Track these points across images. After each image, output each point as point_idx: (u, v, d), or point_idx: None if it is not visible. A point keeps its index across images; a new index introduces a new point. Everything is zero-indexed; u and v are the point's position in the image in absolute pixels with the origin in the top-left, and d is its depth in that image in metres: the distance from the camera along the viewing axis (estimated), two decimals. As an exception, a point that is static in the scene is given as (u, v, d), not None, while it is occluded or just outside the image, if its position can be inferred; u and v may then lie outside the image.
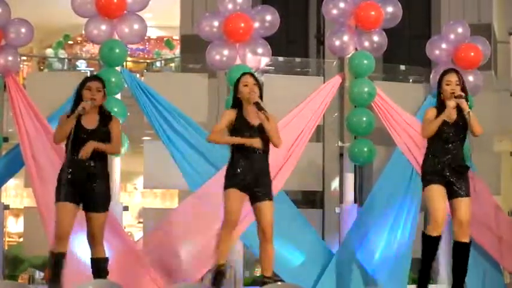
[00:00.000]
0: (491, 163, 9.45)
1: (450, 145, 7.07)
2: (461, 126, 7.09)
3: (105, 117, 6.93)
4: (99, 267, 6.88)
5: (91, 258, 6.91)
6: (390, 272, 8.45)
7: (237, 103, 6.93)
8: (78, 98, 6.86)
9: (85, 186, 6.76)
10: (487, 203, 8.78)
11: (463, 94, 7.10)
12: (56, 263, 6.74)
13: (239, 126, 6.82)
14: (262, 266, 6.92)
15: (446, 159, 7.05)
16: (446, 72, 7.21)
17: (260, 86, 6.93)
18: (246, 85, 6.86)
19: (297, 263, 8.42)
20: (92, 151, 6.74)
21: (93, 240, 6.86)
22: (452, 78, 7.11)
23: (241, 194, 6.80)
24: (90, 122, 6.83)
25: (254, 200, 6.86)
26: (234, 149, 6.87)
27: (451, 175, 7.05)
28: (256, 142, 6.78)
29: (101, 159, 6.85)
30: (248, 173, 6.78)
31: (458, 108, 7.10)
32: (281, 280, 8.32)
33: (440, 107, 7.13)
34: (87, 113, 6.79)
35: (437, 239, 7.07)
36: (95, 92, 6.85)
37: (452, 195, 7.07)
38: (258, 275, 11.27)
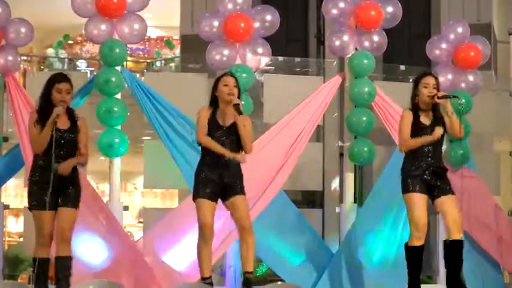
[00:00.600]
0: (491, 163, 9.45)
1: (429, 147, 7.06)
2: (440, 126, 7.08)
3: (73, 116, 6.84)
4: (63, 265, 6.68)
5: (56, 257, 6.70)
6: (390, 272, 8.45)
7: (214, 101, 6.88)
8: (47, 98, 6.74)
9: (57, 185, 6.65)
10: (486, 203, 8.79)
11: (448, 94, 7.11)
12: (40, 268, 6.66)
13: (210, 126, 6.78)
14: (243, 260, 6.84)
15: (426, 162, 7.04)
16: (424, 74, 7.21)
17: (239, 89, 6.88)
18: (226, 85, 6.82)
19: (296, 262, 8.43)
20: (61, 153, 6.67)
21: (61, 237, 6.67)
22: (430, 81, 7.11)
23: (212, 202, 6.77)
24: (62, 123, 6.74)
25: (226, 196, 6.81)
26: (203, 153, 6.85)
27: (431, 177, 7.03)
28: (241, 158, 6.74)
29: (70, 157, 6.76)
30: (217, 175, 6.74)
31: (434, 109, 7.10)
32: (281, 280, 8.33)
33: (416, 109, 7.10)
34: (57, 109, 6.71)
35: (422, 248, 7.06)
36: (64, 95, 6.75)
37: (437, 195, 7.05)
38: (257, 274, 11.29)
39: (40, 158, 6.70)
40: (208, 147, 6.76)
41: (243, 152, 6.81)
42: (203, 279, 6.83)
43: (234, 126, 6.79)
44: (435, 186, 7.04)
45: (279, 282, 7.96)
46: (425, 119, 7.09)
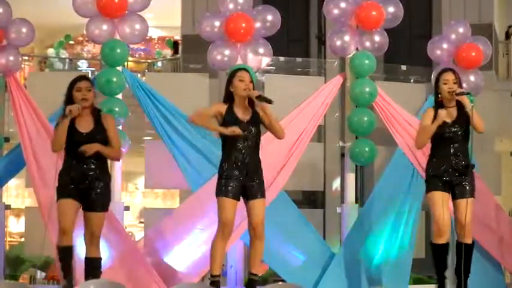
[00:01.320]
0: (492, 163, 9.44)
1: (453, 145, 7.07)
2: (462, 123, 7.08)
3: (99, 116, 6.91)
4: (94, 266, 6.89)
5: (86, 258, 6.91)
6: (391, 272, 8.45)
7: (229, 98, 6.87)
8: (69, 101, 6.83)
9: (85, 188, 6.78)
10: (487, 203, 8.78)
11: (464, 90, 7.10)
12: (63, 256, 6.79)
13: (228, 121, 6.76)
14: (250, 262, 6.87)
15: (449, 162, 7.05)
16: (443, 71, 7.21)
17: (253, 83, 6.89)
18: (241, 80, 6.81)
19: (297, 263, 8.42)
20: (90, 157, 6.76)
21: (92, 239, 6.87)
22: (449, 76, 7.11)
23: (234, 200, 6.77)
24: (85, 125, 6.83)
25: (247, 197, 6.83)
26: (224, 151, 6.85)
27: (454, 177, 7.05)
28: (238, 131, 6.68)
29: (100, 160, 6.85)
30: (239, 173, 6.75)
31: (459, 106, 7.10)
32: (282, 280, 8.33)
33: (438, 107, 7.12)
34: (79, 116, 6.79)
35: (445, 246, 7.08)
36: (85, 92, 6.83)
37: (454, 196, 7.09)
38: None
39: (67, 162, 6.84)
40: (199, 125, 6.83)
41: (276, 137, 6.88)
42: (212, 276, 6.81)
43: (253, 119, 6.78)
44: (456, 186, 7.06)
45: (280, 283, 7.96)
46: (448, 117, 7.08)
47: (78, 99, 6.79)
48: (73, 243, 6.84)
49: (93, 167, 6.80)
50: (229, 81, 6.88)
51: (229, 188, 6.73)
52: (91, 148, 6.73)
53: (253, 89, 6.84)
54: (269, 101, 6.75)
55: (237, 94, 6.82)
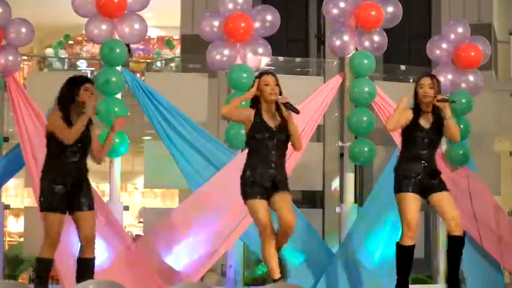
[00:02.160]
0: (491, 163, 9.46)
1: (425, 151, 7.07)
2: (436, 131, 7.09)
3: (90, 124, 6.91)
4: (88, 266, 6.83)
5: (79, 258, 6.85)
6: (390, 272, 8.44)
7: (255, 101, 6.73)
8: (72, 95, 6.79)
9: (74, 189, 6.74)
10: (487, 203, 8.78)
11: (446, 97, 7.11)
12: (45, 269, 6.77)
13: (258, 128, 6.63)
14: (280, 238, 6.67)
15: (420, 165, 7.04)
16: (422, 75, 7.22)
17: (280, 88, 6.72)
18: (267, 84, 6.68)
19: (297, 262, 8.42)
20: (83, 151, 6.78)
21: (87, 240, 6.82)
22: (426, 81, 7.11)
23: (264, 201, 6.63)
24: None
25: (273, 193, 6.66)
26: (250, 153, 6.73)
27: (425, 178, 7.04)
28: (251, 92, 6.62)
29: (85, 157, 6.86)
30: (265, 175, 6.64)
31: (436, 112, 7.10)
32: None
33: (416, 110, 7.12)
34: (76, 115, 6.77)
35: (412, 248, 7.06)
36: (90, 95, 6.83)
37: (431, 192, 7.06)
38: (258, 274, 11.28)
39: (53, 159, 6.80)
40: (232, 111, 6.63)
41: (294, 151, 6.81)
42: (274, 281, 6.62)
43: (281, 126, 6.67)
44: (428, 186, 7.05)
45: (280, 282, 7.95)
46: (425, 122, 7.10)
47: (84, 98, 6.78)
48: (54, 256, 6.82)
49: (84, 163, 6.82)
50: (254, 86, 6.71)
51: (255, 190, 6.58)
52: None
53: (281, 94, 6.70)
54: (295, 110, 6.64)
55: (263, 98, 6.68)
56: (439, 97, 7.06)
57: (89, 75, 9.23)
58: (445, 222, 7.15)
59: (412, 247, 7.05)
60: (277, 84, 6.70)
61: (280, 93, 6.68)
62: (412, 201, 7.01)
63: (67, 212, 6.81)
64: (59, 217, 6.73)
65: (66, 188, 6.74)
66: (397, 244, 7.13)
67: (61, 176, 6.74)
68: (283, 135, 6.67)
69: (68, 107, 6.79)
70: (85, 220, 6.81)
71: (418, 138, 7.07)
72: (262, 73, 6.83)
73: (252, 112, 6.67)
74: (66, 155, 6.76)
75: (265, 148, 6.63)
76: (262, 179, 6.60)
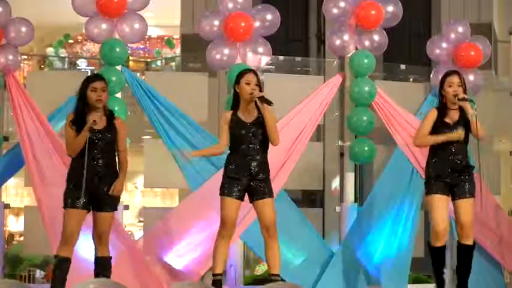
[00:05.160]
0: (492, 163, 9.44)
1: (453, 146, 7.06)
2: (462, 127, 7.07)
3: (112, 118, 6.87)
4: (105, 265, 6.86)
5: (96, 257, 6.88)
6: (390, 271, 8.46)
7: (237, 101, 6.89)
8: (83, 99, 6.78)
9: (94, 187, 6.71)
10: (487, 202, 8.77)
11: (467, 97, 7.10)
12: (59, 266, 6.72)
13: (235, 125, 6.80)
14: (269, 263, 6.88)
15: (448, 163, 7.05)
16: (448, 73, 7.20)
17: (260, 86, 6.88)
18: (248, 83, 6.81)
19: (297, 262, 8.42)
20: (100, 153, 6.72)
21: (101, 239, 6.84)
22: (455, 79, 7.11)
23: (237, 201, 6.79)
24: (98, 123, 6.76)
25: (253, 197, 6.84)
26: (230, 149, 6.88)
27: (453, 178, 7.05)
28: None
29: (109, 159, 6.81)
30: (243, 174, 6.77)
31: (461, 108, 7.10)
32: (281, 279, 8.32)
33: (442, 108, 7.12)
34: (93, 112, 6.75)
35: (441, 249, 7.08)
36: (100, 92, 6.77)
37: (454, 196, 7.09)
38: (258, 273, 11.28)
39: (75, 160, 6.75)
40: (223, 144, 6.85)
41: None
42: (214, 275, 6.82)
43: (258, 121, 6.80)
44: (455, 186, 7.06)
45: (280, 282, 7.95)
46: (450, 119, 7.08)
47: (93, 99, 6.74)
48: (72, 255, 6.77)
49: (101, 164, 6.76)
50: (237, 83, 6.88)
51: (233, 187, 6.76)
52: (119, 186, 6.76)
53: (260, 90, 6.83)
54: (269, 103, 6.76)
55: (242, 96, 6.83)
56: (461, 96, 7.05)
57: (88, 75, 9.19)
58: (457, 228, 7.21)
59: (440, 248, 7.08)
60: (258, 84, 6.82)
61: (261, 90, 6.83)
62: (437, 202, 7.03)
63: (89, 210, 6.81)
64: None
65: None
66: (428, 243, 7.22)
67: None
68: (260, 129, 6.79)
69: (82, 109, 6.77)
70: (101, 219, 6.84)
71: (442, 134, 7.05)
72: (244, 71, 6.94)
73: (229, 113, 6.85)
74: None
75: (242, 144, 6.78)
76: (240, 174, 6.75)
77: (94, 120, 6.66)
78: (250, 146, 6.79)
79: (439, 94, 7.22)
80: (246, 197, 6.89)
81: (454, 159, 7.07)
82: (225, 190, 6.80)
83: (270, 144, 6.90)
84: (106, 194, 6.75)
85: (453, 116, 7.11)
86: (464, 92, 7.11)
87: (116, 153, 6.88)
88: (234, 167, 6.79)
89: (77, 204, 6.67)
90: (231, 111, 6.88)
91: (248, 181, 6.79)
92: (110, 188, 6.75)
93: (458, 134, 7.02)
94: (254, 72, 6.94)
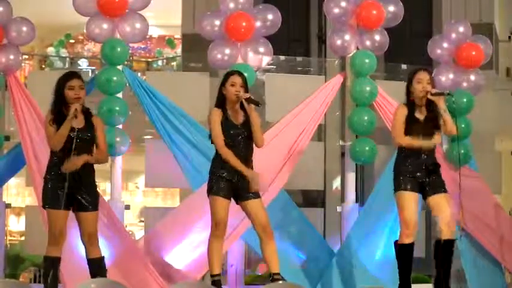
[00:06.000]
0: (492, 162, 9.45)
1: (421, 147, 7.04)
2: (431, 123, 7.04)
3: (89, 116, 6.84)
4: (99, 266, 6.84)
5: (88, 259, 6.84)
6: (391, 271, 8.44)
7: (221, 99, 6.87)
8: (60, 98, 6.71)
9: (72, 187, 6.65)
10: (487, 202, 8.79)
11: (441, 91, 7.06)
12: (52, 267, 6.72)
13: (225, 127, 6.78)
14: (268, 263, 6.88)
15: (418, 160, 7.01)
16: (417, 70, 7.17)
17: (247, 87, 6.86)
18: (233, 85, 6.81)
19: (298, 262, 8.42)
20: (80, 150, 6.64)
21: (90, 240, 6.80)
22: (424, 76, 7.08)
23: (227, 200, 6.78)
24: (76, 121, 6.69)
25: (240, 198, 6.83)
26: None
27: (424, 175, 7.01)
28: (248, 173, 6.73)
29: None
30: (231, 174, 6.75)
31: (429, 105, 7.06)
32: (282, 279, 8.32)
33: (410, 105, 7.09)
34: (74, 105, 6.70)
35: (411, 246, 7.04)
36: (78, 91, 6.71)
37: (429, 193, 7.03)
38: (259, 273, 11.29)
39: (56, 155, 6.70)
40: (227, 161, 6.75)
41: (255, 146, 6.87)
42: (212, 275, 6.82)
43: (246, 122, 6.81)
44: (427, 184, 7.02)
45: (280, 282, 7.95)
46: (419, 114, 7.07)
47: (71, 98, 6.67)
48: (61, 254, 6.74)
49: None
50: (223, 84, 6.89)
51: (221, 187, 6.75)
52: (75, 164, 6.61)
53: (247, 92, 6.84)
54: (257, 103, 6.78)
55: (228, 98, 6.83)
56: (433, 91, 7.03)
57: (90, 74, 9.20)
58: (440, 225, 7.10)
59: (410, 245, 7.02)
60: (243, 86, 6.83)
61: (246, 91, 6.83)
62: (409, 199, 6.97)
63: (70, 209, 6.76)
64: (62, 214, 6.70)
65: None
66: (395, 243, 7.12)
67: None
68: (248, 131, 6.79)
69: (59, 107, 6.71)
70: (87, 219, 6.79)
71: (414, 132, 7.01)
72: (231, 72, 6.96)
73: (220, 113, 6.82)
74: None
75: (232, 145, 6.76)
76: (230, 175, 6.73)
77: (76, 109, 6.60)
78: (239, 146, 6.78)
79: (406, 90, 7.18)
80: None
81: (424, 157, 7.01)
82: (213, 189, 6.77)
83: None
84: (85, 194, 6.71)
85: (422, 111, 7.08)
86: (433, 88, 7.07)
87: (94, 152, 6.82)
88: (223, 168, 6.75)
89: (58, 205, 6.62)
90: (220, 111, 6.84)
91: (237, 182, 6.76)
92: (91, 188, 6.73)
93: (432, 143, 6.99)
94: (240, 73, 6.92)
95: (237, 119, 6.83)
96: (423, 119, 7.03)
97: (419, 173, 6.99)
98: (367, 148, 8.68)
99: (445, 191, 7.06)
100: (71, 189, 6.63)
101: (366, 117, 8.66)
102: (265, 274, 10.58)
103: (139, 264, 7.90)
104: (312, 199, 14.27)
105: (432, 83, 7.08)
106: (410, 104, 7.09)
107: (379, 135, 8.90)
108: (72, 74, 6.83)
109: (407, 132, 7.02)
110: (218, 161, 6.82)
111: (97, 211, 6.82)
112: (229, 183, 6.76)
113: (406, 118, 7.04)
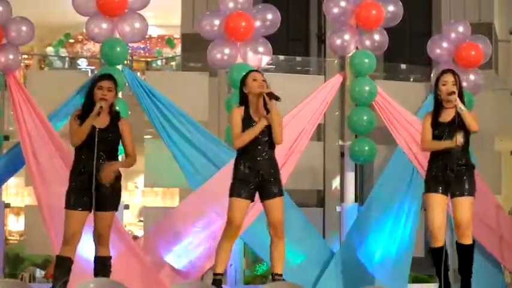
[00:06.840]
0: (492, 162, 9.45)
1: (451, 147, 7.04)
2: (457, 124, 7.04)
3: (116, 116, 6.87)
4: (104, 265, 6.85)
5: (95, 257, 6.87)
6: (391, 271, 8.46)
7: (244, 99, 6.86)
8: (90, 96, 6.79)
9: (95, 186, 6.66)
10: (487, 202, 8.77)
11: (454, 90, 7.05)
12: (59, 265, 6.71)
13: (245, 124, 6.77)
14: (273, 262, 6.87)
15: (444, 161, 7.03)
16: (442, 72, 7.18)
17: (267, 84, 6.86)
18: (255, 79, 6.81)
19: (297, 261, 8.41)
20: (101, 152, 6.69)
21: (100, 239, 6.83)
22: (449, 78, 7.08)
23: (246, 201, 6.76)
24: (101, 121, 6.75)
25: (263, 197, 6.82)
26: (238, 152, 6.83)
27: (449, 176, 7.02)
28: (262, 123, 6.73)
29: (111, 159, 6.77)
30: (254, 174, 6.74)
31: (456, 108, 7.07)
32: (283, 280, 8.32)
33: (438, 108, 7.10)
34: (100, 102, 6.74)
35: (439, 249, 7.05)
36: (106, 92, 6.75)
37: (453, 194, 7.07)
38: (258, 273, 11.29)
39: (79, 153, 6.74)
40: (246, 143, 6.73)
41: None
42: (215, 274, 6.81)
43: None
44: (453, 184, 7.04)
45: (280, 281, 7.95)
46: (445, 117, 7.06)
47: (98, 97, 6.74)
48: (74, 255, 6.75)
49: (103, 163, 6.72)
50: (243, 83, 6.86)
51: (244, 189, 6.72)
52: (109, 175, 6.67)
53: (267, 87, 6.83)
54: (277, 98, 6.75)
55: (252, 93, 6.80)
56: (449, 90, 7.03)
57: (89, 74, 9.19)
58: (454, 228, 7.17)
59: (437, 249, 7.05)
60: (264, 80, 6.83)
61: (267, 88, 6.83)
62: (433, 202, 7.03)
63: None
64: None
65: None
66: (429, 246, 7.21)
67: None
68: (269, 129, 6.78)
69: (88, 105, 6.76)
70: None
71: (439, 134, 7.03)
72: (250, 71, 7.00)
73: (242, 110, 6.81)
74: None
75: (253, 144, 6.75)
76: (250, 174, 6.72)
77: (101, 106, 6.67)
78: (259, 147, 6.77)
79: (434, 94, 7.20)
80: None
81: (452, 158, 7.03)
82: (234, 191, 6.75)
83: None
84: (107, 194, 6.73)
85: (448, 115, 7.07)
86: (460, 90, 7.07)
87: (119, 154, 6.89)
88: (245, 169, 6.75)
89: (79, 206, 6.67)
90: (243, 108, 6.84)
91: (259, 182, 6.76)
92: (110, 189, 6.74)
93: (454, 142, 6.99)
94: (258, 71, 6.95)
95: (257, 116, 6.80)
96: (448, 121, 7.04)
97: (444, 174, 7.01)
98: (366, 148, 8.68)
99: (468, 194, 7.06)
100: (95, 191, 6.67)
101: (365, 117, 8.67)
102: (265, 273, 10.60)
103: (138, 264, 7.89)
104: (312, 199, 14.28)
105: (458, 84, 7.06)
106: (438, 106, 7.09)
107: (379, 135, 8.91)
108: (105, 75, 6.94)
109: (434, 136, 7.06)
110: (238, 164, 6.79)
111: (114, 211, 6.86)
112: (253, 184, 6.73)
113: (432, 121, 7.08)
